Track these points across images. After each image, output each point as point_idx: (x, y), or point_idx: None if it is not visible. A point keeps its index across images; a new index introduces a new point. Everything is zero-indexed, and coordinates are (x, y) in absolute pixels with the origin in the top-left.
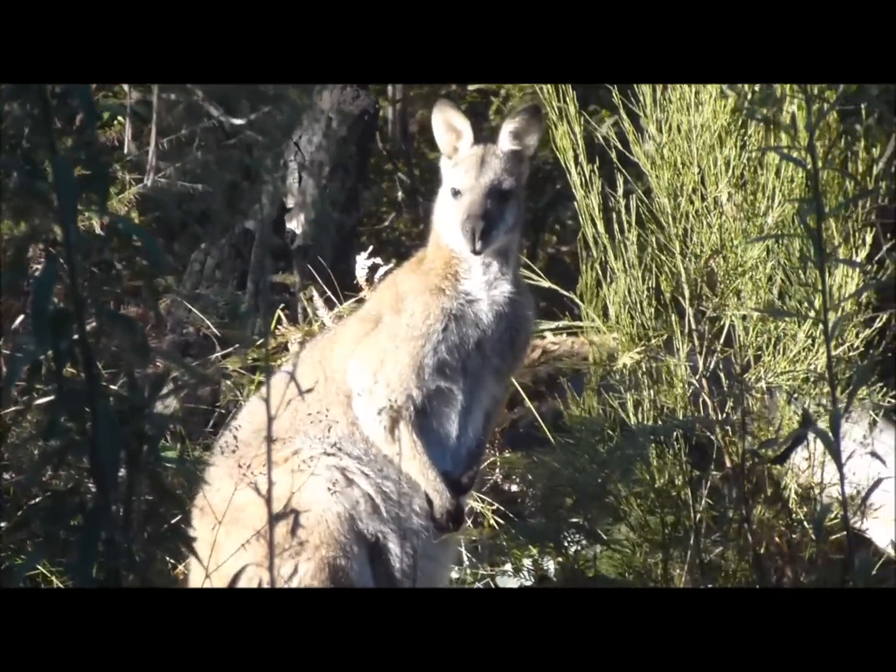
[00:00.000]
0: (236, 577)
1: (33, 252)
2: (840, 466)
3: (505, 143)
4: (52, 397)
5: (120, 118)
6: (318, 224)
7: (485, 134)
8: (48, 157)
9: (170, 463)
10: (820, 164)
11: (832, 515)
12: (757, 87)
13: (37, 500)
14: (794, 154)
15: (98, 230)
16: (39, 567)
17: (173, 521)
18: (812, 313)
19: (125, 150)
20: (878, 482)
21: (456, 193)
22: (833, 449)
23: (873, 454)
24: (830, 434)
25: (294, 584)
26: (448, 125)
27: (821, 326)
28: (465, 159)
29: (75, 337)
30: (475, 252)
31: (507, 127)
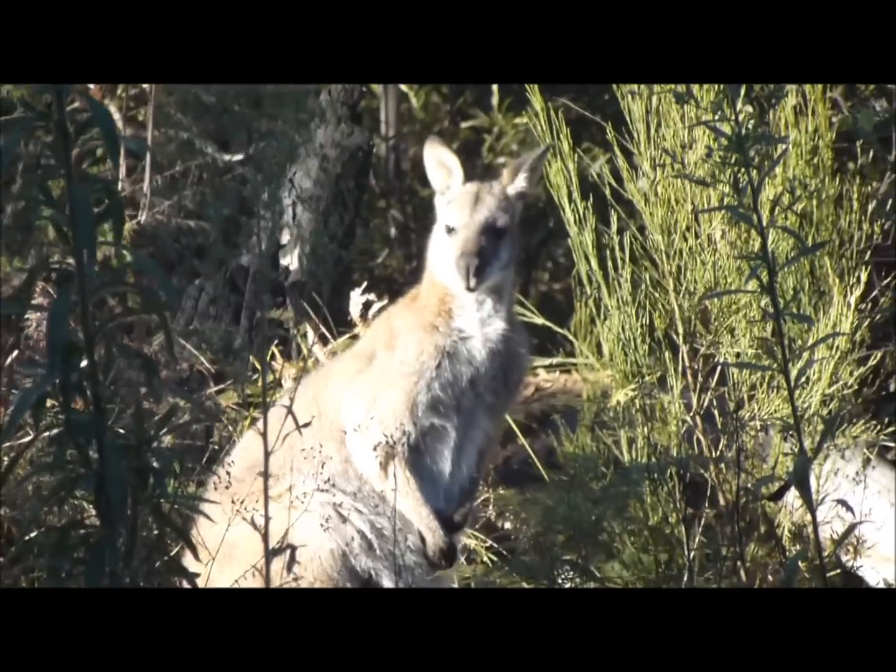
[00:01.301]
0: None
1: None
2: (812, 511)
3: (514, 182)
4: (57, 430)
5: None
6: (317, 258)
7: (478, 171)
8: (66, 186)
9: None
10: (814, 202)
11: (825, 553)
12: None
13: (32, 535)
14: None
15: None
16: None
17: (172, 555)
18: (805, 354)
19: (119, 187)
20: (851, 528)
21: (450, 230)
22: (806, 495)
23: (839, 501)
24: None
25: None
26: (439, 162)
27: (815, 365)
28: (459, 196)
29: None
30: (469, 289)
31: (520, 168)
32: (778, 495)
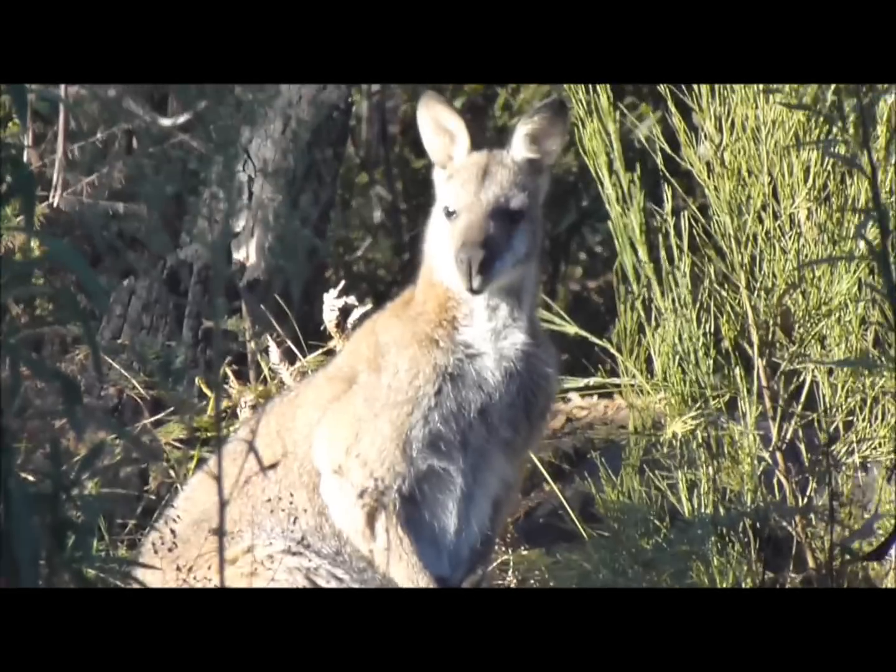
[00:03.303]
0: None
1: None
2: None
3: (518, 148)
4: None
5: (16, 119)
6: (286, 248)
7: (489, 135)
8: None
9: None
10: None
11: None
12: None
13: None
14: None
15: None
16: None
17: None
18: None
19: (24, 159)
20: None
21: (450, 214)
22: None
23: None
24: None
25: None
26: (437, 126)
27: None
28: (462, 170)
29: None
30: (472, 291)
31: (522, 129)
32: (880, 553)
